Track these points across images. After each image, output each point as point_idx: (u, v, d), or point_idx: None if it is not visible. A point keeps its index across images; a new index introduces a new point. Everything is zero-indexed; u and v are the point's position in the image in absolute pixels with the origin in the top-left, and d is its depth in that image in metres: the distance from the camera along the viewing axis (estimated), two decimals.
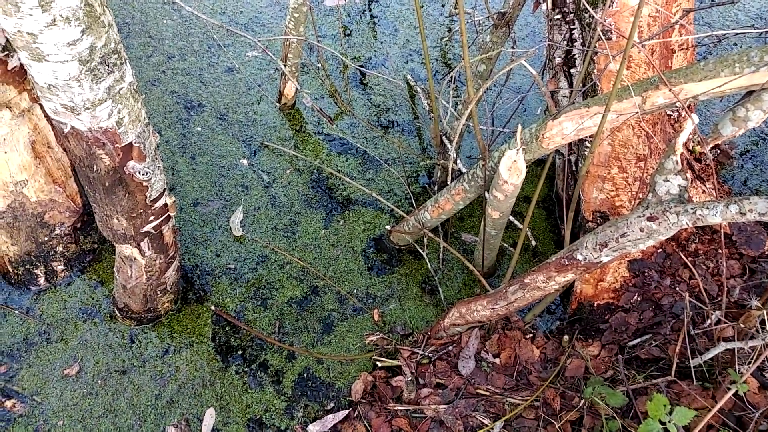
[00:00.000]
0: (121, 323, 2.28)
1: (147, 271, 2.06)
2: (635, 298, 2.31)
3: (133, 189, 1.74)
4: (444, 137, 2.60)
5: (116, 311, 2.28)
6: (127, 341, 2.25)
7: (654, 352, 2.12)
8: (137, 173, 1.71)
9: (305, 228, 2.64)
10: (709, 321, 2.11)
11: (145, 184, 1.78)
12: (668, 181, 1.39)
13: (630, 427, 1.83)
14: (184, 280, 2.40)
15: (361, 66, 3.41)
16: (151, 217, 1.89)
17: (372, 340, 2.31)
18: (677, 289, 2.31)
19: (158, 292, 2.18)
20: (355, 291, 2.47)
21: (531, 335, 2.24)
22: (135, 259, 2.00)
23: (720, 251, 2.36)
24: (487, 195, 2.09)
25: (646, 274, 2.33)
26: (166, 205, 1.94)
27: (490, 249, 2.35)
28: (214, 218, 2.62)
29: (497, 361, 2.16)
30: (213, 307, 2.32)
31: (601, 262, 1.59)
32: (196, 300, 2.38)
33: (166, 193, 1.95)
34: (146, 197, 1.82)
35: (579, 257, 1.63)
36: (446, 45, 3.50)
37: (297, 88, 3.01)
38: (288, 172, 2.84)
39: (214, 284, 2.42)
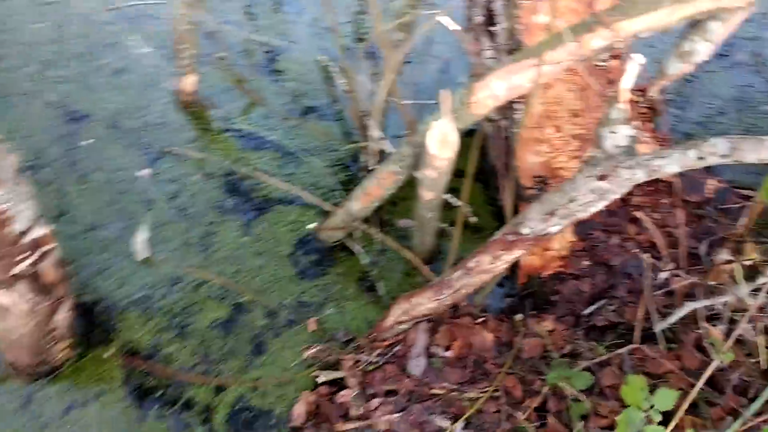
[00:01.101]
0: (13, 383, 1.92)
1: (30, 320, 1.72)
2: (585, 262, 2.17)
3: None
4: (365, 117, 2.36)
5: (6, 369, 1.92)
6: (22, 403, 1.89)
7: (611, 318, 1.98)
8: None
9: (222, 239, 2.34)
10: (663, 276, 2.00)
11: (4, 216, 1.46)
12: (615, 132, 1.21)
13: (598, 406, 1.68)
14: (84, 319, 2.05)
15: (269, 51, 3.12)
16: (20, 257, 1.55)
17: (311, 354, 2.05)
18: (626, 246, 2.19)
19: (49, 341, 1.84)
20: (285, 301, 2.20)
21: (482, 319, 2.06)
22: (8, 309, 1.65)
23: (663, 201, 2.26)
24: (417, 174, 1.87)
25: (592, 235, 2.19)
26: (39, 238, 1.61)
27: (428, 233, 2.15)
28: (114, 242, 2.27)
29: (449, 354, 1.97)
30: (112, 353, 1.97)
31: (550, 233, 1.41)
32: (101, 342, 2.03)
33: (41, 223, 1.62)
34: (9, 232, 1.49)
35: (525, 231, 1.45)
36: (358, 18, 3.26)
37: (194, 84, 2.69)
38: (196, 178, 2.52)
39: (122, 319, 2.09)
